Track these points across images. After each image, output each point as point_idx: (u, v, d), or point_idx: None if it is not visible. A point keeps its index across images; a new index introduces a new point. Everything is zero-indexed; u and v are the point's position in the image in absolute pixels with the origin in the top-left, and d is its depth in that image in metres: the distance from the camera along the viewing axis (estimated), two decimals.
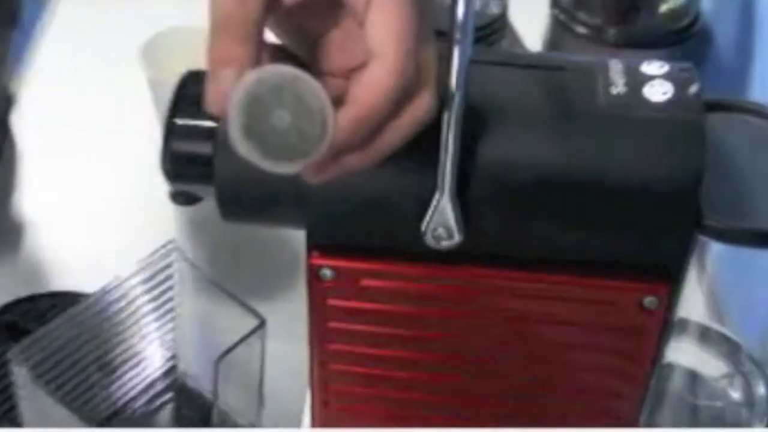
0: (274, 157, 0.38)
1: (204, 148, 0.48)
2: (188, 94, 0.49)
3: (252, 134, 0.38)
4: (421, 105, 0.42)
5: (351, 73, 0.41)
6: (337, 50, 0.42)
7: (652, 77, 0.47)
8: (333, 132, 0.39)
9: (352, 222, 0.48)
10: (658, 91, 0.46)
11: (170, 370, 0.70)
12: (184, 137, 0.48)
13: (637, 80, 0.47)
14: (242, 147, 0.38)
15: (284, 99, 0.38)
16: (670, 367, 0.69)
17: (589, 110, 0.46)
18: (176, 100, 0.49)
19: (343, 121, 0.39)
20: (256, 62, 0.39)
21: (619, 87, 0.47)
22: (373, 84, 0.39)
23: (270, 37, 0.42)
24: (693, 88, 0.47)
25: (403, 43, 0.40)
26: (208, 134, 0.47)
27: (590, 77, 0.47)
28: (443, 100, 0.43)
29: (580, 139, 0.46)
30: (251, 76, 0.38)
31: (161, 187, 0.50)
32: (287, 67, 0.38)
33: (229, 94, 0.38)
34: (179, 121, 0.48)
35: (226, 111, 0.38)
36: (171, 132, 0.49)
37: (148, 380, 0.69)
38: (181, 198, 0.51)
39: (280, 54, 0.42)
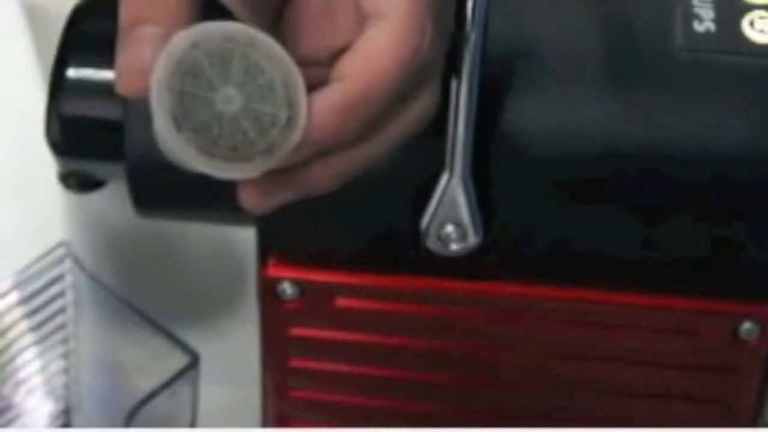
0: (218, 156, 0.38)
1: (109, 111, 0.48)
2: (85, 31, 0.49)
3: (185, 123, 0.38)
4: (420, 103, 0.42)
5: (332, 58, 0.41)
6: (311, 24, 0.42)
7: (752, 6, 0.47)
8: (305, 119, 0.38)
9: (323, 218, 0.49)
10: (763, 27, 0.47)
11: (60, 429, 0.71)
12: (79, 95, 0.49)
13: (731, 12, 0.47)
14: (172, 141, 0.38)
15: (232, 71, 0.38)
16: None
17: (664, 57, 0.47)
18: (68, 41, 0.49)
19: (326, 104, 0.39)
20: (191, 18, 0.38)
21: (706, 22, 0.47)
22: (374, 54, 0.39)
23: None
24: None
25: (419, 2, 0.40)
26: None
27: (664, 9, 0.48)
28: (454, 40, 0.43)
29: (650, 99, 0.47)
30: (183, 38, 0.38)
31: (47, 166, 0.50)
32: (236, 25, 0.38)
33: (151, 64, 0.38)
34: (72, 72, 0.49)
35: (146, 90, 0.38)
36: (60, 87, 0.49)
37: None
38: (75, 182, 0.51)
39: (221, 12, 0.41)
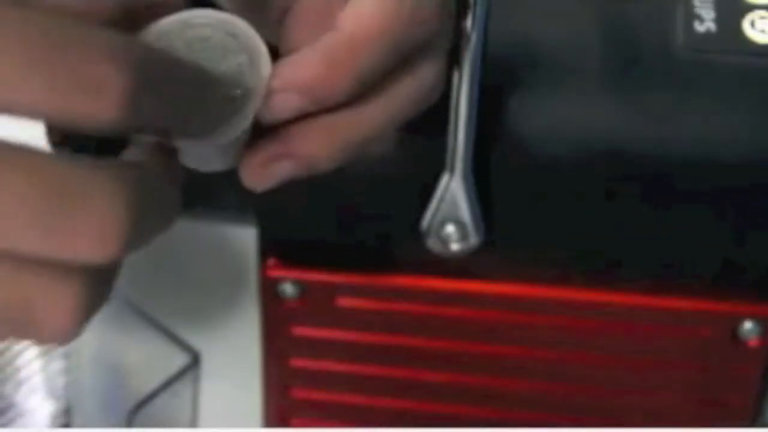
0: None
1: None
2: None
3: None
4: (422, 77, 0.41)
5: None
6: (312, 23, 0.41)
7: (753, 7, 0.47)
8: (267, 60, 0.38)
9: (324, 218, 0.49)
10: (764, 28, 0.47)
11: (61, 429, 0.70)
12: None
13: (732, 12, 0.47)
14: None
15: (188, 45, 0.37)
16: None
17: (665, 57, 0.47)
18: None
19: (316, 51, 0.38)
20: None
21: (706, 22, 0.47)
22: (368, 8, 0.39)
23: None
24: None
25: None
26: None
27: (665, 9, 0.47)
28: (455, 40, 0.43)
29: (650, 99, 0.46)
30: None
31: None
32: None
33: None
34: None
35: None
36: None
37: None
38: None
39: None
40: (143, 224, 0.31)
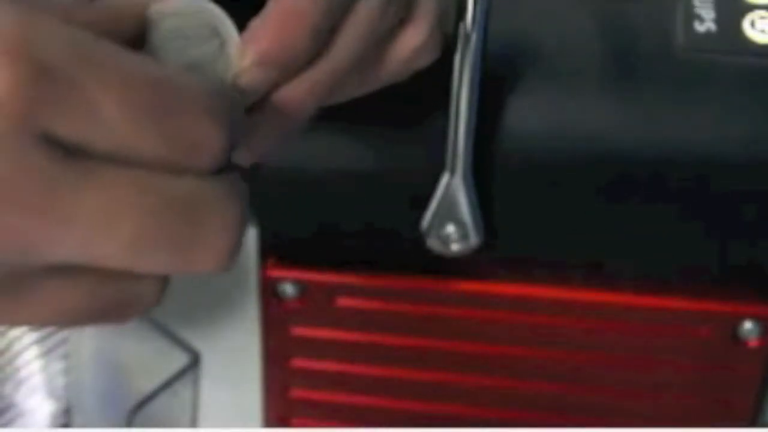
0: None
1: None
2: None
3: None
4: (410, 40, 0.42)
5: None
6: None
7: (753, 7, 0.47)
8: (236, 41, 0.38)
9: (324, 218, 0.49)
10: (764, 28, 0.47)
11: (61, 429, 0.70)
12: None
13: (732, 12, 0.47)
14: None
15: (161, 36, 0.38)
16: None
17: (665, 57, 0.47)
18: None
19: (264, 23, 0.38)
20: None
21: (707, 22, 0.47)
22: None
23: None
24: None
25: None
26: None
27: (665, 9, 0.47)
28: (454, 39, 0.43)
29: (650, 99, 0.46)
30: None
31: None
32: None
33: None
34: None
35: None
36: None
37: None
38: None
39: None
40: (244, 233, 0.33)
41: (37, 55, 0.28)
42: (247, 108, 0.38)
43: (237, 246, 0.32)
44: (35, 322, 0.32)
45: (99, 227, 0.29)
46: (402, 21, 0.41)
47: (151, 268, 0.31)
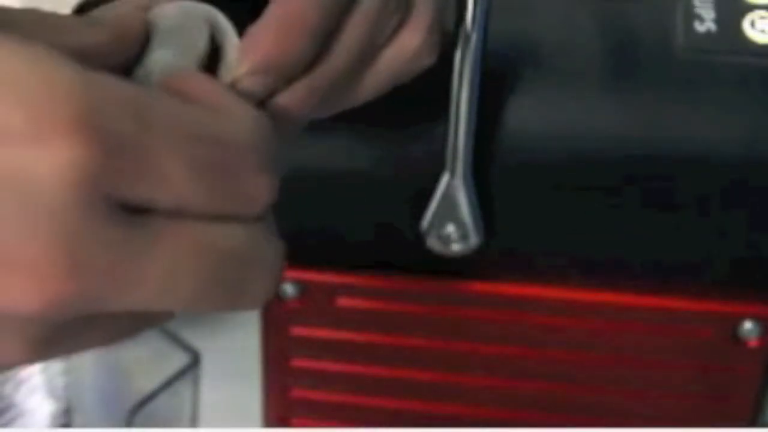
0: None
1: None
2: None
3: None
4: (409, 43, 0.41)
5: None
6: None
7: (753, 7, 0.47)
8: (235, 46, 0.38)
9: (324, 218, 0.49)
10: (764, 28, 0.47)
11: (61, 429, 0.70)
12: None
13: (732, 12, 0.47)
14: None
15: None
16: None
17: (665, 57, 0.47)
18: None
19: (262, 29, 0.38)
20: None
21: (707, 22, 0.47)
22: None
23: None
24: None
25: None
26: None
27: (665, 9, 0.47)
28: (454, 39, 0.43)
29: (650, 99, 0.46)
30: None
31: None
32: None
33: None
34: None
35: None
36: None
37: None
38: None
39: None
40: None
41: (104, 124, 0.28)
42: None
43: (278, 284, 0.34)
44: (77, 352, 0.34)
45: (164, 286, 0.30)
46: (400, 24, 0.41)
47: (205, 313, 0.33)
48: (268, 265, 0.32)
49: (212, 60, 0.38)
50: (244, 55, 0.37)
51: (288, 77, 0.38)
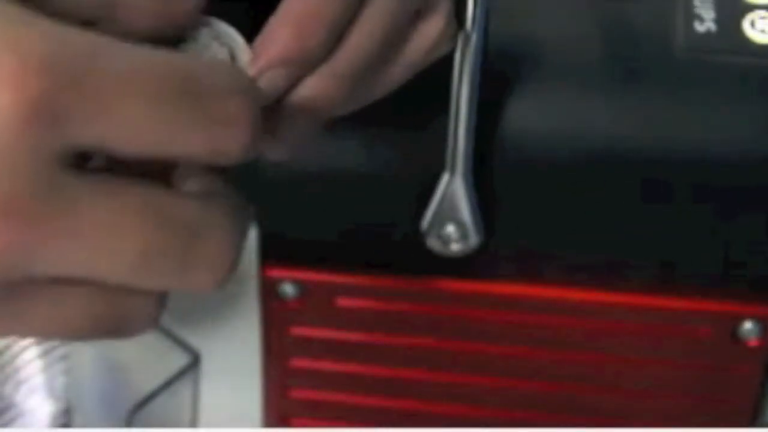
0: None
1: None
2: None
3: None
4: (429, 31, 0.42)
5: None
6: None
7: (753, 7, 0.47)
8: (245, 48, 0.38)
9: (324, 218, 0.49)
10: (764, 28, 0.47)
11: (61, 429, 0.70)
12: None
13: (732, 12, 0.47)
14: None
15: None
16: None
17: (665, 57, 0.46)
18: None
19: (280, 22, 0.38)
20: None
21: (707, 22, 0.47)
22: None
23: None
24: None
25: None
26: None
27: (665, 9, 0.47)
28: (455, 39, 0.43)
29: (650, 99, 0.46)
30: None
31: None
32: None
33: None
34: None
35: None
36: None
37: None
38: None
39: None
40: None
41: (57, 63, 0.28)
42: (271, 104, 0.38)
43: (234, 265, 0.32)
44: (33, 333, 0.32)
45: (104, 242, 0.29)
46: (418, 12, 0.41)
47: (150, 285, 0.31)
48: (225, 245, 0.31)
49: None
50: (262, 49, 0.37)
51: (308, 69, 0.38)
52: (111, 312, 0.32)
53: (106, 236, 0.29)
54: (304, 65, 0.38)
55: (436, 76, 0.44)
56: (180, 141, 0.30)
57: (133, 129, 0.29)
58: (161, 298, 0.33)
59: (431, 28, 0.42)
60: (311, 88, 0.39)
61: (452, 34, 0.42)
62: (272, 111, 0.38)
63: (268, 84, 0.37)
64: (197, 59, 0.32)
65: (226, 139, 0.31)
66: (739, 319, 0.48)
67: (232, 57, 0.38)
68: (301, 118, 0.39)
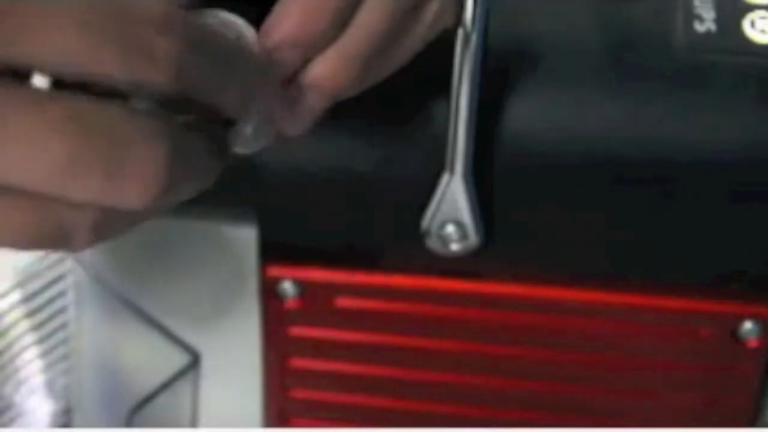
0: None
1: None
2: None
3: None
4: (433, 5, 0.42)
5: None
6: None
7: (753, 7, 0.47)
8: (252, 33, 0.39)
9: (324, 218, 0.49)
10: (764, 28, 0.46)
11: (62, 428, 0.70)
12: None
13: (732, 12, 0.47)
14: None
15: None
16: None
17: (665, 57, 0.46)
18: None
19: (289, 2, 0.39)
20: None
21: (706, 22, 0.47)
22: None
23: None
24: None
25: None
26: None
27: (665, 9, 0.47)
28: (454, 40, 0.43)
29: (650, 99, 0.46)
30: None
31: None
32: None
33: None
34: None
35: None
36: None
37: None
38: None
39: None
40: (180, 177, 0.33)
41: None
42: (283, 81, 0.39)
43: (167, 185, 0.33)
44: None
45: (28, 150, 0.30)
46: None
47: (81, 194, 0.32)
48: (152, 158, 0.32)
49: None
50: (271, 29, 0.38)
51: (316, 51, 0.39)
52: (45, 222, 0.33)
53: (30, 145, 0.30)
54: (313, 46, 0.38)
55: (436, 76, 0.44)
56: (103, 67, 0.31)
57: (57, 52, 0.30)
58: (99, 215, 0.33)
59: (434, 4, 0.41)
60: (320, 68, 0.39)
61: (454, 8, 0.42)
62: (282, 89, 0.39)
63: (276, 65, 0.38)
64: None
65: (149, 72, 0.32)
66: (739, 319, 0.48)
67: (239, 40, 0.38)
68: (312, 96, 0.39)
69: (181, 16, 0.33)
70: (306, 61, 0.39)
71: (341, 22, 0.39)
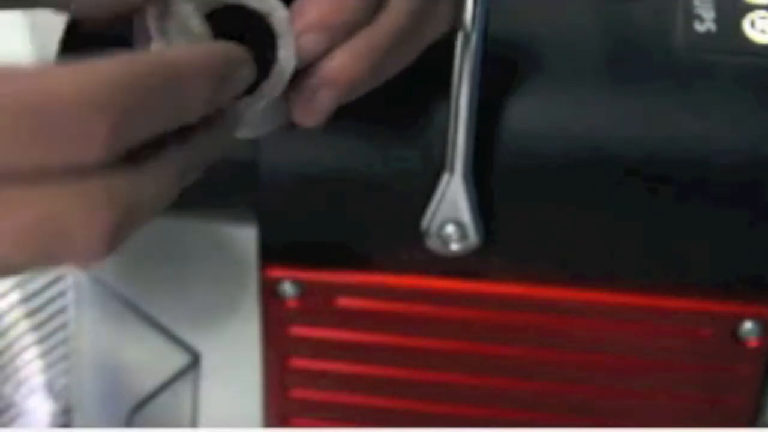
0: None
1: None
2: (86, 32, 0.47)
3: None
4: (444, 8, 0.42)
5: None
6: None
7: (753, 7, 0.47)
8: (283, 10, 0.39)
9: (324, 218, 0.49)
10: (764, 28, 0.46)
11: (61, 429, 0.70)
12: None
13: (732, 12, 0.47)
14: None
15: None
16: None
17: (665, 57, 0.46)
18: (67, 41, 0.47)
19: None
20: None
21: (706, 22, 0.47)
22: None
23: None
24: None
25: None
26: None
27: (664, 9, 0.47)
28: (454, 40, 0.43)
29: (650, 99, 0.46)
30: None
31: None
32: None
33: None
34: None
35: None
36: None
37: None
38: None
39: None
40: (132, 225, 0.34)
41: None
42: (301, 70, 0.39)
43: (112, 245, 0.33)
44: None
45: None
46: None
47: (28, 270, 0.33)
48: (91, 235, 0.32)
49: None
50: (301, 11, 0.38)
51: (343, 36, 0.39)
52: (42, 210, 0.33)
53: None
54: (340, 33, 0.39)
55: (436, 76, 0.44)
56: (33, 162, 0.31)
57: None
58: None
59: (444, 8, 0.42)
60: (338, 61, 0.39)
61: (455, 14, 0.43)
62: (299, 81, 0.39)
63: (303, 46, 0.38)
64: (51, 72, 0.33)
65: (82, 154, 0.32)
66: (739, 319, 0.48)
67: (270, 16, 0.38)
68: (326, 88, 0.40)
69: (116, 85, 0.32)
70: (327, 51, 0.39)
71: (370, 12, 0.39)
